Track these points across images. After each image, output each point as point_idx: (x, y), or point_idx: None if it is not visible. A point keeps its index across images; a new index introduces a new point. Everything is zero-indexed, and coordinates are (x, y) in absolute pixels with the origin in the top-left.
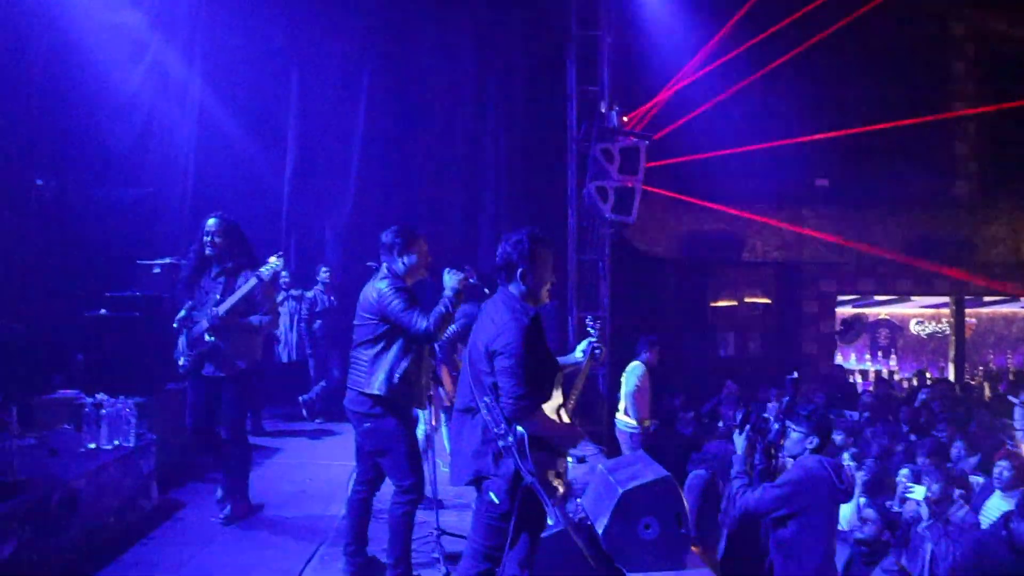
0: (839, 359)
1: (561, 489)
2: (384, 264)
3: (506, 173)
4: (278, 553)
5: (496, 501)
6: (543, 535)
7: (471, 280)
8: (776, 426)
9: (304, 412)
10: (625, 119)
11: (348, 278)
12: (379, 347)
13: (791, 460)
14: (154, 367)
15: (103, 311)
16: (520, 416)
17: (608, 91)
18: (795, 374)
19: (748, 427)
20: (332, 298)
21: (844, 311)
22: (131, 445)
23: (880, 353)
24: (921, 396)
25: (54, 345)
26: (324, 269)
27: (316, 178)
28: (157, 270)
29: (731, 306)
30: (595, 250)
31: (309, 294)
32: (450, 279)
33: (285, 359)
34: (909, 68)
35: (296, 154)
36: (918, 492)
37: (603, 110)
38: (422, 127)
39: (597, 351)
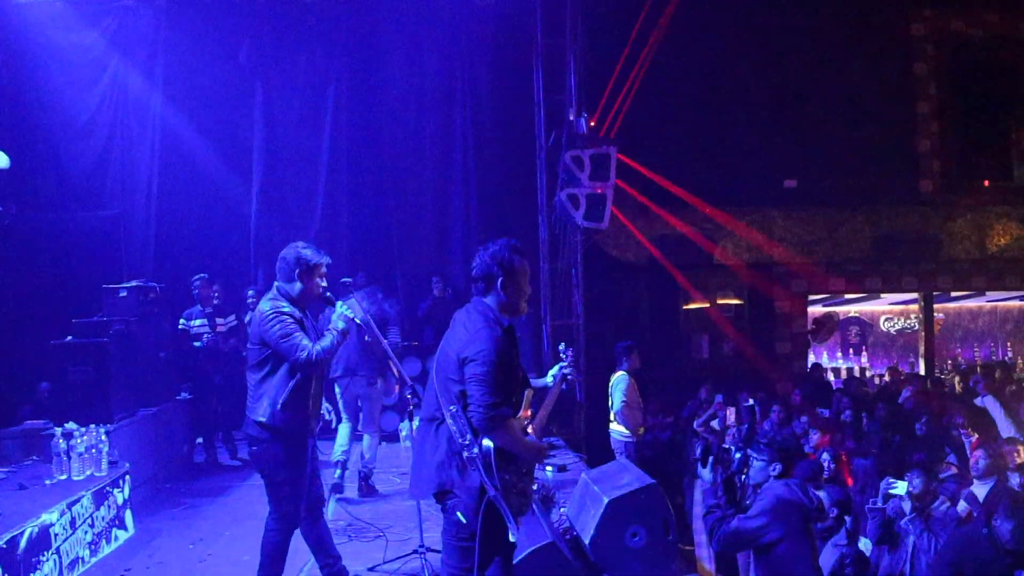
0: (811, 358)
1: (526, 505)
2: (275, 284)
3: (476, 184)
4: None
5: (464, 520)
6: (530, 549)
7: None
8: (738, 456)
9: None
10: (593, 124)
11: None
12: (263, 372)
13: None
14: (124, 393)
15: (69, 338)
16: (489, 426)
17: (576, 98)
18: (751, 401)
19: (711, 459)
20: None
21: (815, 310)
22: (104, 475)
23: (851, 351)
24: (913, 400)
25: (19, 375)
26: None
27: (283, 195)
28: (124, 294)
29: (704, 308)
30: (567, 258)
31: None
32: (339, 312)
33: None
34: (871, 69)
35: (262, 172)
36: (900, 487)
37: (571, 117)
38: (389, 141)
39: (568, 378)
